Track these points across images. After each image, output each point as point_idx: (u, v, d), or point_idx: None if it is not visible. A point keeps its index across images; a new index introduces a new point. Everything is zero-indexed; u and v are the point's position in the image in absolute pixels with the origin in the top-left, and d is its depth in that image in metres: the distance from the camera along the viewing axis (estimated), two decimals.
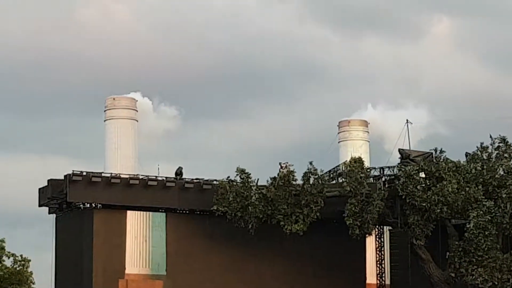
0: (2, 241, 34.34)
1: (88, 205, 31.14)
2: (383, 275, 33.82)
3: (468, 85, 64.48)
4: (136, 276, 30.94)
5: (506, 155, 32.73)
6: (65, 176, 30.45)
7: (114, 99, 34.59)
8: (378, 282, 34.36)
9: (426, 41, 69.17)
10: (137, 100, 35.07)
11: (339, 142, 38.47)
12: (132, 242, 31.13)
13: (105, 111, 34.69)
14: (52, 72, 62.66)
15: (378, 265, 34.07)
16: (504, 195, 31.15)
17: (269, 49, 65.84)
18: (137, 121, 34.36)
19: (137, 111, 34.38)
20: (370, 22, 69.51)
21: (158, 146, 37.70)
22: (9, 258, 34.66)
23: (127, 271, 31.09)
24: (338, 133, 39.67)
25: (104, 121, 34.33)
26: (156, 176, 32.05)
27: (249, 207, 30.69)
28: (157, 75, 58.80)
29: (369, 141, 39.30)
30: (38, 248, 41.03)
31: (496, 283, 30.55)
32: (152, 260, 31.48)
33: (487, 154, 33.03)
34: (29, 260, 34.67)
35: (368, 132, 39.31)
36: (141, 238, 31.19)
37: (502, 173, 32.23)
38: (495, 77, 68.59)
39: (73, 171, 30.35)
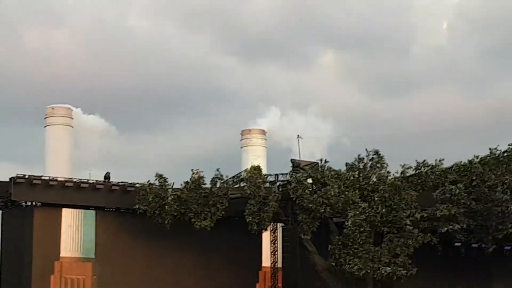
0: None
1: (29, 203, 35.93)
2: (276, 264, 39.72)
3: (349, 108, 77.10)
4: (69, 259, 36.21)
5: (378, 165, 38.80)
6: (10, 178, 35.56)
7: (53, 108, 40.87)
8: (272, 269, 40.43)
9: (315, 70, 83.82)
10: (72, 109, 41.35)
11: (241, 147, 46.04)
12: (67, 233, 36.24)
13: (45, 118, 40.95)
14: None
15: (272, 255, 39.79)
16: (376, 198, 36.88)
17: (188, 73, 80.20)
18: (72, 127, 40.55)
19: (72, 118, 40.62)
20: (270, 52, 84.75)
21: (92, 154, 44.00)
22: None
23: (61, 255, 36.15)
24: (241, 140, 47.69)
25: (44, 127, 40.48)
26: (87, 180, 37.27)
27: (166, 206, 36.05)
28: (95, 94, 69.62)
29: (266, 147, 47.75)
30: None
31: (369, 271, 36.15)
32: (83, 246, 36.59)
33: (363, 164, 39.13)
34: None
35: (265, 139, 47.91)
36: (74, 229, 36.35)
37: (375, 180, 38.28)
38: (371, 102, 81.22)
39: (17, 174, 35.56)
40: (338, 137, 51.80)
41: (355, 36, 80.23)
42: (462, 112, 76.16)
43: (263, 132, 47.55)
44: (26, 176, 35.59)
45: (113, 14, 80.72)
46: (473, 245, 43.34)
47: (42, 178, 36.26)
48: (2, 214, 37.77)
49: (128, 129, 69.81)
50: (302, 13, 78.28)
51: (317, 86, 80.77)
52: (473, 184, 38.05)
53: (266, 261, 40.29)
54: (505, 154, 38.95)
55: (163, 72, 78.58)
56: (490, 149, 39.59)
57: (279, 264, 39.58)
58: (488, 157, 39.13)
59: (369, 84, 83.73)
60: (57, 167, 38.23)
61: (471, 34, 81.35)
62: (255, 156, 44.76)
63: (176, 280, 38.13)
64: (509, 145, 39.34)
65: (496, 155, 39.23)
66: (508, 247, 45.82)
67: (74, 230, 36.33)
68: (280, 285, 39.66)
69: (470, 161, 39.14)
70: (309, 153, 42.40)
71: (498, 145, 40.17)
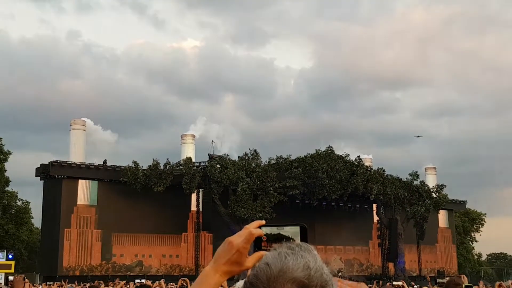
0: None
1: (60, 177, 58.24)
2: (199, 208, 65.94)
3: (241, 127, 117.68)
4: (82, 205, 59.69)
5: (256, 157, 66.47)
6: (49, 162, 58.64)
7: (74, 120, 65.04)
8: (196, 212, 67.32)
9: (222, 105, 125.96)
10: (85, 121, 65.77)
11: (181, 144, 71.19)
12: (81, 192, 60.12)
13: (70, 125, 64.80)
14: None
15: (197, 206, 65.99)
16: (254, 175, 65.54)
17: (149, 105, 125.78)
18: (85, 131, 64.88)
19: (85, 126, 64.89)
20: (196, 94, 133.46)
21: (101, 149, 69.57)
22: None
23: (78, 203, 59.09)
24: (181, 140, 72.53)
25: (69, 131, 64.48)
26: (93, 163, 61.67)
27: (138, 179, 62.51)
28: (102, 110, 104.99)
29: (194, 144, 71.72)
30: None
31: (250, 215, 64.64)
32: (90, 198, 59.97)
33: (247, 156, 66.02)
34: None
35: (194, 139, 72.05)
36: (86, 189, 60.51)
37: (254, 165, 65.98)
38: (253, 124, 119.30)
39: (53, 160, 59.02)
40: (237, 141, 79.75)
41: (242, 86, 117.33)
42: (301, 129, 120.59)
43: (193, 136, 72.55)
44: (58, 161, 59.56)
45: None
46: (306, 202, 65.63)
47: (67, 162, 60.38)
48: (44, 183, 60.87)
49: (119, 135, 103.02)
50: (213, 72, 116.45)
51: (223, 112, 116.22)
52: (306, 168, 63.63)
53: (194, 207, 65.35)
54: (323, 152, 66.49)
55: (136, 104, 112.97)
56: (316, 150, 66.86)
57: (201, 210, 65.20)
58: (315, 154, 65.71)
59: (253, 113, 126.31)
60: (76, 156, 62.53)
61: (307, 87, 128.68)
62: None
63: (143, 218, 60.89)
64: (326, 147, 67.66)
65: (319, 153, 66.17)
66: (325, 203, 67.70)
67: (85, 191, 60.42)
68: (201, 221, 64.45)
69: (305, 156, 65.20)
70: (220, 148, 69.31)
71: (320, 147, 67.09)
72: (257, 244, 1.91)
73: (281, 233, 1.92)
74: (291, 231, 1.91)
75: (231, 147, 72.00)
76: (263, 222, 1.92)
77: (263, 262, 1.72)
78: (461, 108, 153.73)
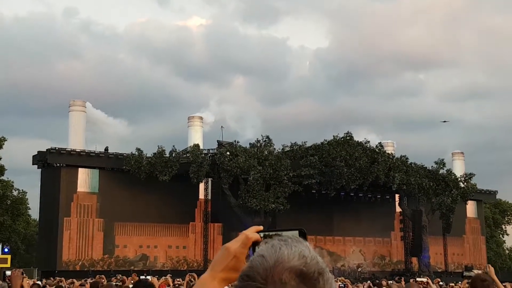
0: None
1: (58, 165, 58.61)
2: (207, 197, 65.15)
3: (250, 111, 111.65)
4: (83, 192, 60.16)
5: (268, 144, 65.91)
6: (46, 149, 59.00)
7: (74, 100, 65.49)
8: (204, 200, 67.35)
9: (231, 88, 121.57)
10: (85, 101, 66.08)
11: (188, 127, 71.25)
12: (81, 179, 60.20)
13: (69, 107, 65.30)
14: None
15: (205, 195, 65.66)
16: (267, 164, 65.57)
17: (154, 87, 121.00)
18: (85, 112, 65.23)
19: (85, 107, 65.19)
20: (204, 76, 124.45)
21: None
22: None
23: (78, 190, 59.43)
24: (188, 122, 72.24)
25: (68, 112, 64.88)
26: (94, 151, 61.78)
27: (141, 167, 62.62)
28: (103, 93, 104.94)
29: (202, 127, 71.93)
30: None
31: (262, 207, 64.52)
32: (91, 185, 60.58)
33: (259, 143, 64.35)
34: None
35: (202, 122, 71.89)
36: (86, 177, 60.79)
37: (266, 153, 66.32)
38: (263, 107, 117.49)
39: (50, 147, 59.46)
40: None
41: (253, 68, 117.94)
42: (317, 114, 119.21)
43: (201, 118, 72.40)
44: (56, 148, 59.85)
45: None
46: (322, 192, 65.10)
47: (66, 149, 60.45)
48: (41, 171, 61.40)
49: (122, 120, 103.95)
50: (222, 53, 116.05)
51: (233, 96, 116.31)
52: (323, 156, 63.56)
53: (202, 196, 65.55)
54: (342, 139, 66.08)
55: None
56: (333, 136, 66.55)
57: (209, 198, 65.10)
58: (332, 141, 65.37)
59: (265, 97, 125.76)
60: (75, 143, 62.79)
61: (323, 68, 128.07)
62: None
63: (148, 207, 61.07)
64: (344, 133, 67.44)
65: (337, 139, 65.85)
66: (343, 193, 67.43)
67: (86, 179, 60.60)
68: (209, 210, 64.64)
69: (321, 143, 65.09)
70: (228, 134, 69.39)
71: (338, 133, 66.88)
72: (255, 249, 1.97)
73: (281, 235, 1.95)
74: (290, 235, 1.95)
75: (242, 133, 72.05)
76: (261, 227, 1.99)
77: (257, 255, 1.77)
78: (491, 91, 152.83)
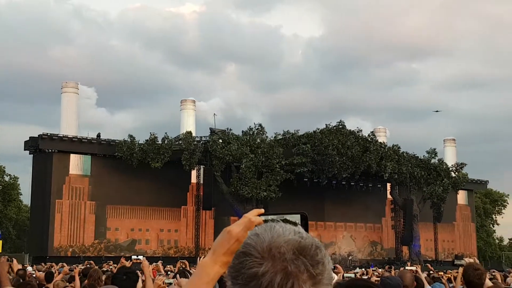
0: None
1: (50, 150, 58.21)
2: (199, 183, 65.04)
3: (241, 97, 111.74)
4: (75, 175, 60.09)
5: (261, 132, 65.75)
6: (38, 135, 58.71)
7: (66, 82, 65.11)
8: (196, 184, 66.72)
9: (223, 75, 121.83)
10: (78, 83, 65.62)
11: (180, 111, 70.94)
12: (74, 164, 60.06)
13: (61, 88, 64.90)
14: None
15: (197, 182, 65.64)
16: (259, 152, 65.47)
17: (148, 74, 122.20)
18: (78, 94, 64.89)
19: (78, 89, 64.85)
20: (197, 63, 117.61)
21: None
22: None
23: (70, 172, 59.30)
24: (180, 105, 71.86)
25: (61, 94, 64.47)
26: (86, 137, 61.27)
27: (134, 154, 62.45)
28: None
29: (195, 111, 71.66)
30: None
31: (254, 194, 64.26)
32: (84, 168, 60.39)
33: (251, 131, 64.38)
34: None
35: (195, 106, 71.79)
36: (79, 161, 60.40)
37: (258, 141, 66.56)
38: (255, 95, 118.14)
39: (42, 132, 59.06)
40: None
41: (246, 56, 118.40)
42: (310, 102, 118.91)
43: (193, 101, 72.13)
44: (48, 134, 59.50)
45: None
46: (314, 180, 65.03)
47: (58, 135, 60.14)
48: (33, 157, 61.13)
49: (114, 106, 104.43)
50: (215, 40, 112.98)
51: (226, 83, 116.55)
52: (316, 144, 63.20)
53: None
54: (334, 127, 65.90)
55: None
56: (326, 124, 66.41)
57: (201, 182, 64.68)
58: (325, 129, 65.19)
59: (257, 85, 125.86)
60: (68, 129, 62.49)
61: (317, 57, 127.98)
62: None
63: (140, 191, 61.11)
64: (337, 122, 67.28)
65: (329, 128, 65.59)
66: (335, 182, 67.00)
67: (78, 163, 60.45)
68: (201, 194, 63.95)
69: (314, 131, 64.92)
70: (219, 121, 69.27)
71: (330, 122, 66.77)
72: None
73: (286, 218, 1.95)
74: (292, 219, 1.96)
75: (234, 121, 71.96)
76: (262, 210, 1.97)
77: (252, 234, 1.80)
78: (486, 81, 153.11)
